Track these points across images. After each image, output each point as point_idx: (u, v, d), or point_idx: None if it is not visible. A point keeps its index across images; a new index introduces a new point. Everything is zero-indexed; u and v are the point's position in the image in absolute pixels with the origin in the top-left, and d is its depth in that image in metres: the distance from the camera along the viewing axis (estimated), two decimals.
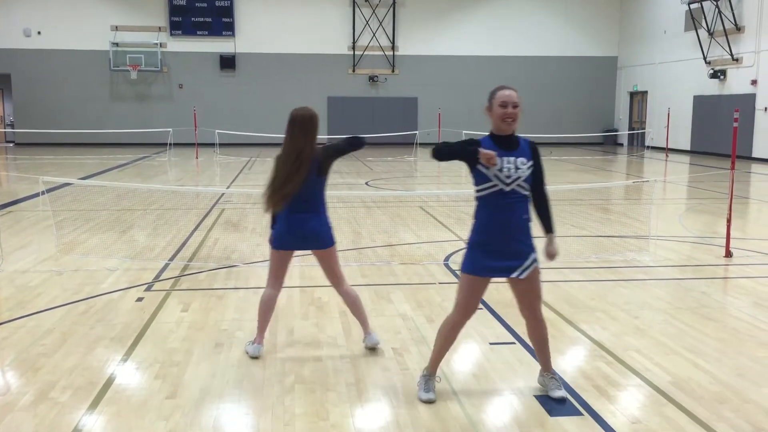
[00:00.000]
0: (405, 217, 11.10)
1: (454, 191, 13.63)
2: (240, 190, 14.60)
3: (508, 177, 4.05)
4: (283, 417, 4.13)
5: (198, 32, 29.32)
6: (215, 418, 4.13)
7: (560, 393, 4.36)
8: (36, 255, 8.38)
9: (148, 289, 6.92)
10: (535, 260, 4.19)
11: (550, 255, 4.31)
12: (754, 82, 22.76)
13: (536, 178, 4.18)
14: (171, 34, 29.33)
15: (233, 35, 29.44)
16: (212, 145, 25.97)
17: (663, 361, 4.99)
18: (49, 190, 11.33)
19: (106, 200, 13.01)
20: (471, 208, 4.34)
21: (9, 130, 30.90)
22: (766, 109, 22.26)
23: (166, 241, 9.32)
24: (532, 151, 4.17)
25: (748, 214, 12.26)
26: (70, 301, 6.49)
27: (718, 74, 24.14)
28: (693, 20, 24.88)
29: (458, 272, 4.38)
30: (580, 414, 4.17)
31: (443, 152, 4.18)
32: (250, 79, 29.56)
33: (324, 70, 29.79)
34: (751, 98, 22.75)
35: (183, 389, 4.51)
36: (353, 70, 30.16)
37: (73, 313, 6.14)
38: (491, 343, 5.37)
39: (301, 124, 4.85)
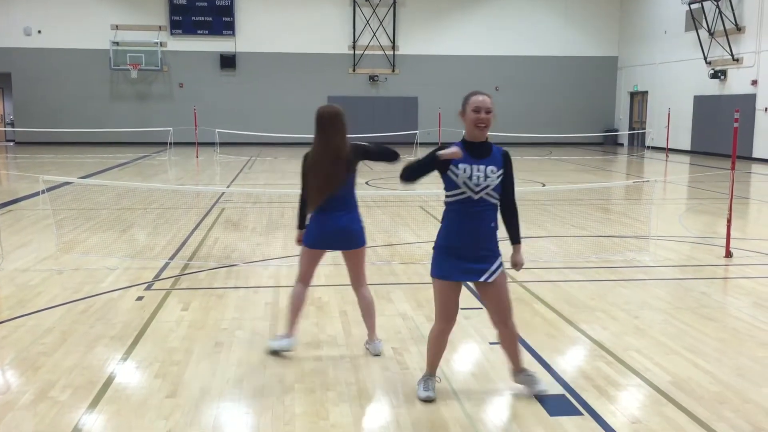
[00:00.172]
0: (405, 217, 11.10)
1: None
2: (240, 189, 14.60)
3: (477, 185, 4.04)
4: (283, 416, 4.13)
5: (198, 31, 29.31)
6: (215, 418, 4.13)
7: (542, 386, 4.40)
8: (36, 254, 8.38)
9: (148, 288, 6.92)
10: (501, 264, 4.20)
11: (516, 265, 4.29)
12: (754, 83, 22.76)
13: (506, 188, 4.17)
14: (171, 34, 29.32)
15: (233, 34, 29.43)
16: (212, 144, 25.97)
17: (663, 361, 4.99)
18: (49, 189, 11.32)
19: (106, 199, 13.00)
20: None
21: (9, 128, 30.89)
22: (766, 109, 22.26)
23: (166, 240, 9.32)
24: (503, 159, 4.15)
25: (748, 214, 12.26)
26: (70, 300, 6.49)
27: (718, 74, 24.14)
28: (693, 20, 24.88)
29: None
30: (580, 414, 4.17)
31: (410, 170, 4.13)
32: (250, 79, 29.55)
33: (324, 69, 29.79)
34: (751, 98, 22.74)
35: (183, 388, 4.51)
36: (353, 70, 30.16)
37: (73, 312, 6.14)
38: (491, 343, 5.36)
39: (330, 121, 4.83)
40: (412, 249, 8.80)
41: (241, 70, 29.56)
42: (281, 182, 16.36)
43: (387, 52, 30.12)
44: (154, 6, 29.13)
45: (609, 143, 30.94)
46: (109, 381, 4.63)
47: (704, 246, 9.12)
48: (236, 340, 5.43)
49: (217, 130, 25.46)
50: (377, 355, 5.09)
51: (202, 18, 29.22)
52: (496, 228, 4.18)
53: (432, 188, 16.08)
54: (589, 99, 31.06)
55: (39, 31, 28.60)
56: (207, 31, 29.33)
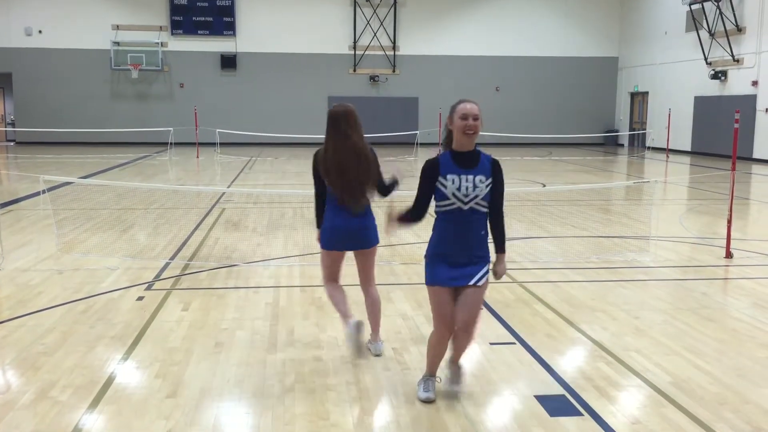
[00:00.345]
0: None
1: None
2: (241, 189, 14.60)
3: (466, 195, 4.05)
4: (284, 416, 4.13)
5: (199, 31, 29.32)
6: (215, 418, 4.13)
7: (461, 387, 4.40)
8: (36, 254, 8.38)
9: (148, 288, 6.92)
10: (488, 271, 4.21)
11: (497, 274, 4.27)
12: (755, 83, 22.75)
13: (494, 197, 4.15)
14: (172, 34, 29.32)
15: (234, 35, 29.44)
16: (213, 144, 25.98)
17: (663, 362, 5.00)
18: (49, 189, 11.34)
19: (106, 199, 13.01)
20: None
21: (10, 128, 30.90)
22: (766, 110, 22.26)
23: (166, 240, 9.32)
24: (492, 168, 4.13)
25: (748, 215, 12.26)
26: (70, 299, 6.49)
27: (719, 75, 24.13)
28: (694, 21, 24.88)
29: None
30: (581, 414, 4.17)
31: (416, 208, 4.20)
32: (251, 79, 29.56)
33: (325, 69, 29.80)
34: (752, 99, 22.74)
35: (183, 388, 4.51)
36: (354, 70, 30.16)
37: (73, 312, 6.14)
38: (491, 343, 5.37)
39: (346, 119, 4.84)
40: (412, 249, 8.81)
41: (242, 71, 29.56)
42: (282, 182, 16.36)
43: (387, 53, 30.13)
44: (154, 6, 29.14)
45: (609, 144, 30.94)
46: (110, 381, 4.63)
47: (704, 247, 9.12)
48: (236, 340, 5.43)
49: (217, 130, 25.47)
50: (378, 355, 5.09)
51: (203, 18, 29.23)
52: (486, 235, 4.19)
53: None
54: (589, 99, 31.06)
55: (40, 31, 28.60)
56: (208, 32, 29.34)
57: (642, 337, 5.54)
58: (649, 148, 27.47)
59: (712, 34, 24.42)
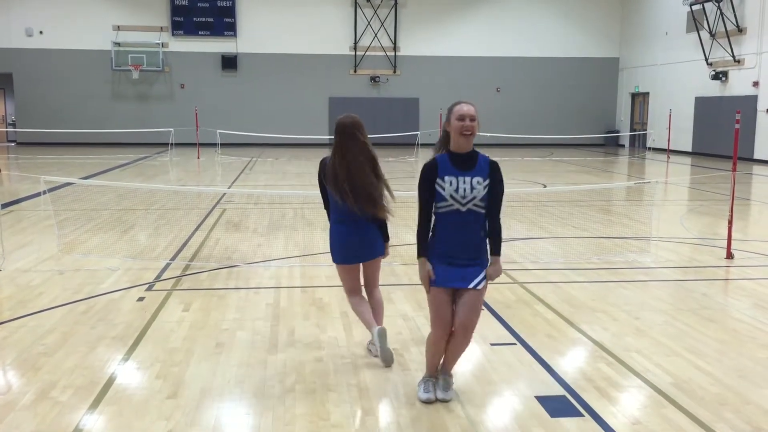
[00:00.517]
0: (406, 218, 11.09)
1: None
2: (241, 190, 14.61)
3: (464, 197, 4.05)
4: (284, 417, 4.13)
5: (200, 32, 29.33)
6: (216, 418, 4.13)
7: (450, 396, 4.36)
8: (37, 254, 8.39)
9: (149, 289, 6.92)
10: (486, 275, 4.20)
11: (491, 277, 4.23)
12: (755, 84, 22.75)
13: (492, 198, 4.12)
14: (173, 34, 29.34)
15: (235, 35, 29.44)
16: (213, 145, 25.98)
17: (664, 362, 4.99)
18: (50, 190, 11.35)
19: (107, 200, 13.01)
20: None
21: (11, 129, 30.92)
22: (767, 110, 22.25)
23: (167, 240, 9.32)
24: (490, 169, 4.12)
25: (749, 215, 12.26)
26: (71, 300, 6.50)
27: (719, 75, 24.12)
28: (695, 21, 24.87)
29: None
30: (581, 415, 4.17)
31: (424, 212, 4.17)
32: (251, 80, 29.56)
33: (325, 70, 29.80)
34: (752, 100, 22.73)
35: (184, 389, 4.51)
36: (355, 71, 30.17)
37: (74, 312, 6.14)
38: (492, 344, 5.37)
39: (359, 129, 4.85)
40: (413, 250, 8.78)
41: (243, 71, 29.57)
42: (282, 183, 16.36)
43: (388, 53, 30.13)
44: (155, 7, 29.15)
45: (610, 144, 30.94)
46: (110, 381, 4.64)
47: (705, 247, 9.12)
48: (237, 340, 5.43)
49: (218, 130, 25.47)
50: (379, 356, 5.09)
51: (204, 19, 29.24)
52: (485, 236, 4.18)
53: None
54: (590, 100, 31.06)
55: (41, 32, 28.62)
56: (208, 32, 29.35)
57: (643, 338, 5.53)
58: (649, 148, 27.46)
59: (712, 35, 24.42)
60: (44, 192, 9.50)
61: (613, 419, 4.11)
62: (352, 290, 5.12)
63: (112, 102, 29.42)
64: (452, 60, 30.15)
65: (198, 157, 22.75)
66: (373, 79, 30.12)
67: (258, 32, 29.46)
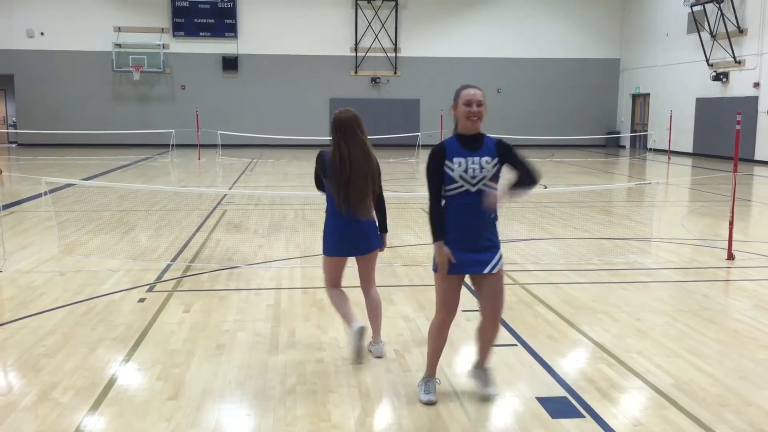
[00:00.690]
0: (407, 219, 11.10)
1: None
2: (242, 191, 14.61)
3: (474, 177, 4.05)
4: (285, 418, 4.13)
5: (201, 33, 29.35)
6: (217, 419, 4.13)
7: (494, 391, 4.38)
8: (38, 255, 8.39)
9: (150, 290, 6.92)
10: (501, 257, 4.21)
11: (491, 195, 4.07)
12: (756, 85, 22.74)
13: (516, 166, 4.10)
14: (174, 36, 29.36)
15: (236, 37, 29.46)
16: (214, 146, 25.99)
17: (665, 364, 4.99)
18: (51, 191, 11.36)
19: (108, 201, 13.02)
20: None
21: (12, 130, 30.94)
22: None
23: (168, 242, 9.33)
24: (498, 148, 4.12)
25: (750, 216, 12.25)
26: (72, 301, 6.50)
27: (720, 76, 24.12)
28: (695, 22, 24.87)
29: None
30: (582, 416, 4.17)
31: (434, 196, 4.15)
32: (252, 81, 29.58)
33: (326, 71, 29.82)
34: (753, 101, 22.73)
35: (185, 390, 4.51)
36: (355, 72, 30.18)
37: (75, 313, 6.15)
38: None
39: (356, 122, 4.85)
40: (414, 251, 8.80)
41: (243, 72, 29.59)
42: (283, 184, 16.36)
43: (389, 54, 30.14)
44: (156, 8, 29.18)
45: (611, 145, 30.93)
46: (111, 383, 4.64)
47: (706, 248, 9.12)
48: (238, 341, 5.43)
49: (219, 132, 25.48)
50: (379, 357, 5.09)
51: (205, 20, 29.26)
52: (496, 219, 4.18)
53: None
54: (590, 101, 31.06)
55: (42, 33, 28.66)
56: (209, 33, 29.37)
57: (643, 339, 5.53)
58: (650, 149, 27.45)
59: (713, 36, 24.41)
60: (45, 193, 9.50)
61: (614, 420, 4.10)
62: (331, 283, 5.11)
63: (113, 103, 29.44)
64: (453, 61, 30.15)
65: (199, 159, 22.76)
66: (374, 80, 30.13)
67: (259, 33, 29.48)
